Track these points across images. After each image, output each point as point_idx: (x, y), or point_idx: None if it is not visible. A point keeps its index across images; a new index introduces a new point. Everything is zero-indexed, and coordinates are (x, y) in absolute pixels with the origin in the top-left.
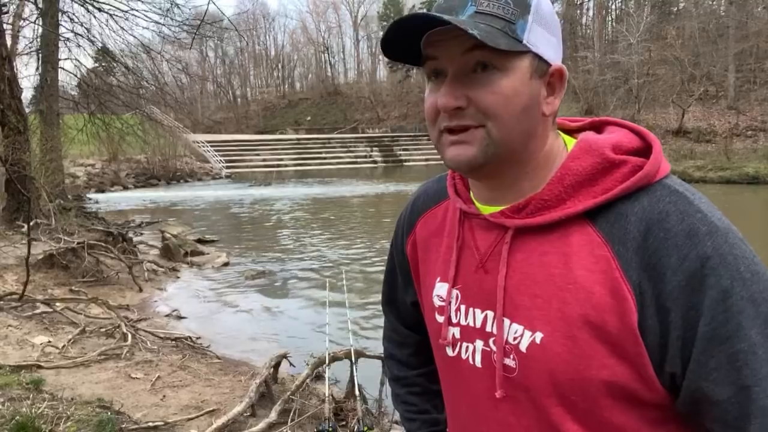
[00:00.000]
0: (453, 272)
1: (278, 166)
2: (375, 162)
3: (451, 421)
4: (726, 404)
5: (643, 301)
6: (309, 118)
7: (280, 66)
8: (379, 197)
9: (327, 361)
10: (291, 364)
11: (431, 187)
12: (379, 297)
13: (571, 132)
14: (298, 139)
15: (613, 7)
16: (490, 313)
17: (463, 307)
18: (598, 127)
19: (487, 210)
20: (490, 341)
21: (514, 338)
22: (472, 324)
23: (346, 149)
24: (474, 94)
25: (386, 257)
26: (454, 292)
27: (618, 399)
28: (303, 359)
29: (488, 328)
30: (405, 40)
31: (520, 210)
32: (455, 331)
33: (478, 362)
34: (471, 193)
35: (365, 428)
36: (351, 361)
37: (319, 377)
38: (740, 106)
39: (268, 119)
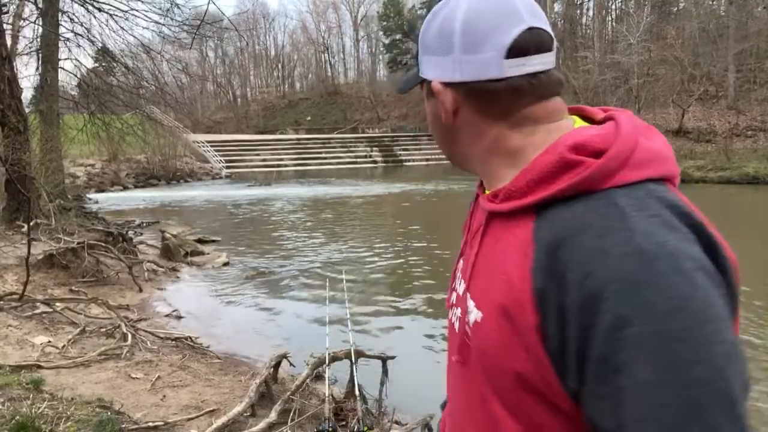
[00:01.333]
0: (462, 245)
1: (278, 166)
2: (375, 162)
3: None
4: None
5: (545, 307)
6: (309, 118)
7: (280, 66)
8: (379, 197)
9: (327, 361)
10: (291, 364)
11: None
12: (379, 296)
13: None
14: (298, 139)
15: (613, 7)
16: (463, 286)
17: (459, 276)
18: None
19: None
20: (459, 310)
21: (469, 312)
22: (458, 292)
23: (346, 149)
24: None
25: (386, 257)
26: (460, 262)
27: (533, 394)
28: (303, 359)
29: (462, 298)
30: None
31: (495, 197)
32: (453, 297)
33: (457, 327)
34: None
35: (365, 428)
36: (351, 361)
37: (319, 377)
38: (740, 106)
39: (268, 119)
